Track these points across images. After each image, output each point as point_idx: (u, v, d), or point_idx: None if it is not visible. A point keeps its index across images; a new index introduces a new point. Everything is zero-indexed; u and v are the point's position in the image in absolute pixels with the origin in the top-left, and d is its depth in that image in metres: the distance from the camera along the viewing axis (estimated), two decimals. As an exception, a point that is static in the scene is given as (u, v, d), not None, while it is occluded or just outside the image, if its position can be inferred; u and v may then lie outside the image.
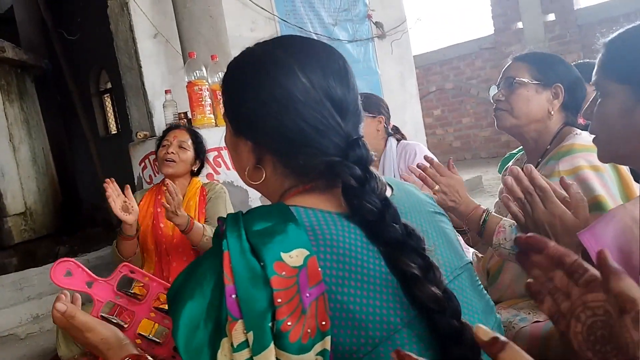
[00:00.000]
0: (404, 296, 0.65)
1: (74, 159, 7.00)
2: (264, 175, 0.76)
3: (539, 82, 1.49)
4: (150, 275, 1.01)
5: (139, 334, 0.98)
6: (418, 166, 1.47)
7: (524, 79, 1.49)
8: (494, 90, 1.58)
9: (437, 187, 1.43)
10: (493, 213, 1.42)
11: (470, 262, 0.82)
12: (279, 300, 0.58)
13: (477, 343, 0.64)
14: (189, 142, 2.31)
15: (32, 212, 5.22)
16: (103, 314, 0.95)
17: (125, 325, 0.96)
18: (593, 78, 1.01)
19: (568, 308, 0.57)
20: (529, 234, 0.58)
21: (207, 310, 0.61)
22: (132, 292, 1.00)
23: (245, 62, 0.78)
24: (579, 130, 1.45)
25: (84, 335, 0.89)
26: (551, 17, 7.45)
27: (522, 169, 1.03)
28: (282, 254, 0.60)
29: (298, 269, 0.60)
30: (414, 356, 0.48)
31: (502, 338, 0.45)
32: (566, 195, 1.00)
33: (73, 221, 5.97)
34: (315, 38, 2.61)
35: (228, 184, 2.91)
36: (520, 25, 7.80)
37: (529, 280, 0.63)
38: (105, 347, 0.88)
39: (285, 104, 0.71)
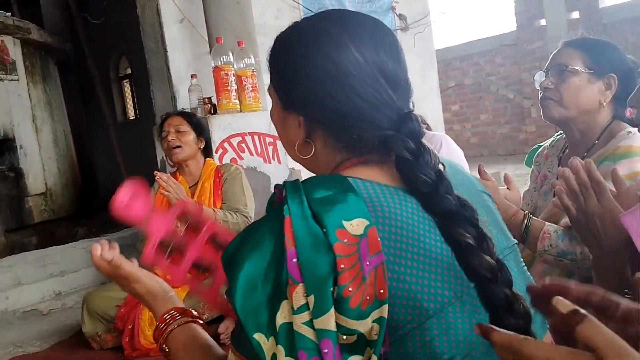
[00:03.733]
0: (458, 269, 0.65)
1: (93, 143, 7.06)
2: (313, 150, 0.75)
3: (593, 71, 1.40)
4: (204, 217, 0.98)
5: (193, 265, 0.92)
6: None
7: (576, 67, 1.40)
8: (540, 77, 1.48)
9: None
10: (535, 218, 1.34)
11: (517, 243, 0.82)
12: (342, 266, 0.58)
13: (528, 312, 0.64)
14: (185, 124, 2.34)
15: (52, 193, 5.28)
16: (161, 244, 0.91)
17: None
18: None
19: None
20: (544, 283, 0.50)
21: (265, 271, 0.61)
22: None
23: (295, 37, 0.76)
24: (632, 129, 1.37)
25: (131, 286, 0.90)
26: (575, 15, 7.34)
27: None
28: (344, 222, 0.60)
29: (359, 237, 0.60)
30: (496, 328, 0.47)
31: (582, 311, 0.43)
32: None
33: (90, 204, 6.03)
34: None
35: (251, 169, 2.93)
36: (543, 22, 7.70)
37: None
38: (151, 298, 0.89)
39: (339, 79, 0.70)
